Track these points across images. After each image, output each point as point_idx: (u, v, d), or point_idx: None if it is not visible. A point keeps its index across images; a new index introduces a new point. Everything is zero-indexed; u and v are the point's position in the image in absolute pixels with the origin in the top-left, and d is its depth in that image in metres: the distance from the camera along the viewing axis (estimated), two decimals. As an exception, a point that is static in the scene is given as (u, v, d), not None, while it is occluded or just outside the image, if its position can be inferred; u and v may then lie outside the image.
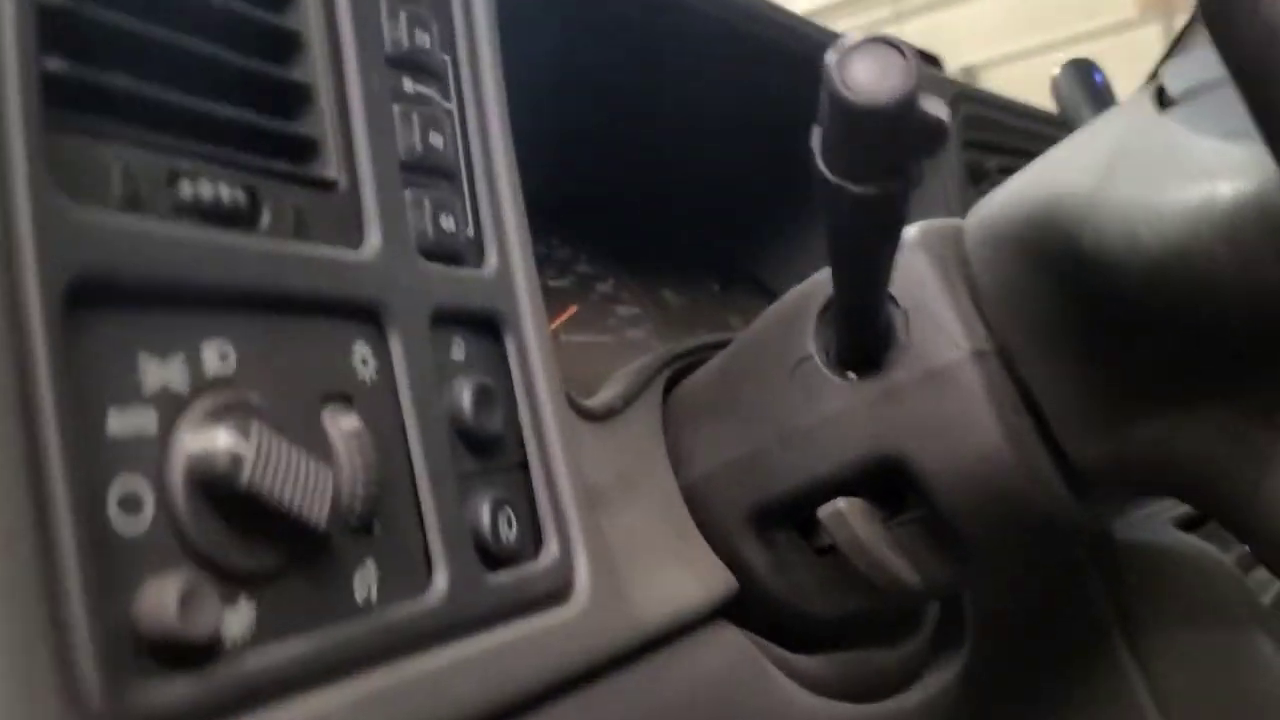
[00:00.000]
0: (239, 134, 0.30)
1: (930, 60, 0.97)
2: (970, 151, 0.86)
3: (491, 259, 0.39)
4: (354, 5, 0.34)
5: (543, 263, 0.73)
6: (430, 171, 0.37)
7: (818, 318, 0.48)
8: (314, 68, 0.33)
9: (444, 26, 0.39)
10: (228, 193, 0.28)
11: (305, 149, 0.33)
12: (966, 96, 0.86)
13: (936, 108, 0.32)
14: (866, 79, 0.30)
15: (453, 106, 0.39)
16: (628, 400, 0.50)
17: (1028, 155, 0.94)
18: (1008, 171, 0.91)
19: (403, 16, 0.36)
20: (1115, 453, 0.43)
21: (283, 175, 0.31)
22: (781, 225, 0.88)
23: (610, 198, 0.78)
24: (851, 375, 0.46)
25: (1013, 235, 0.44)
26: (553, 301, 0.70)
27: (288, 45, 0.33)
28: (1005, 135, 0.92)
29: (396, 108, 0.36)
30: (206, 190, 0.28)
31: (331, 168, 0.33)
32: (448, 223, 0.36)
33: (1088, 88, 0.76)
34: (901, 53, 0.30)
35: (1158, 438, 0.42)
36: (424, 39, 0.37)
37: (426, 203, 0.36)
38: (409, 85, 0.37)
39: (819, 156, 0.34)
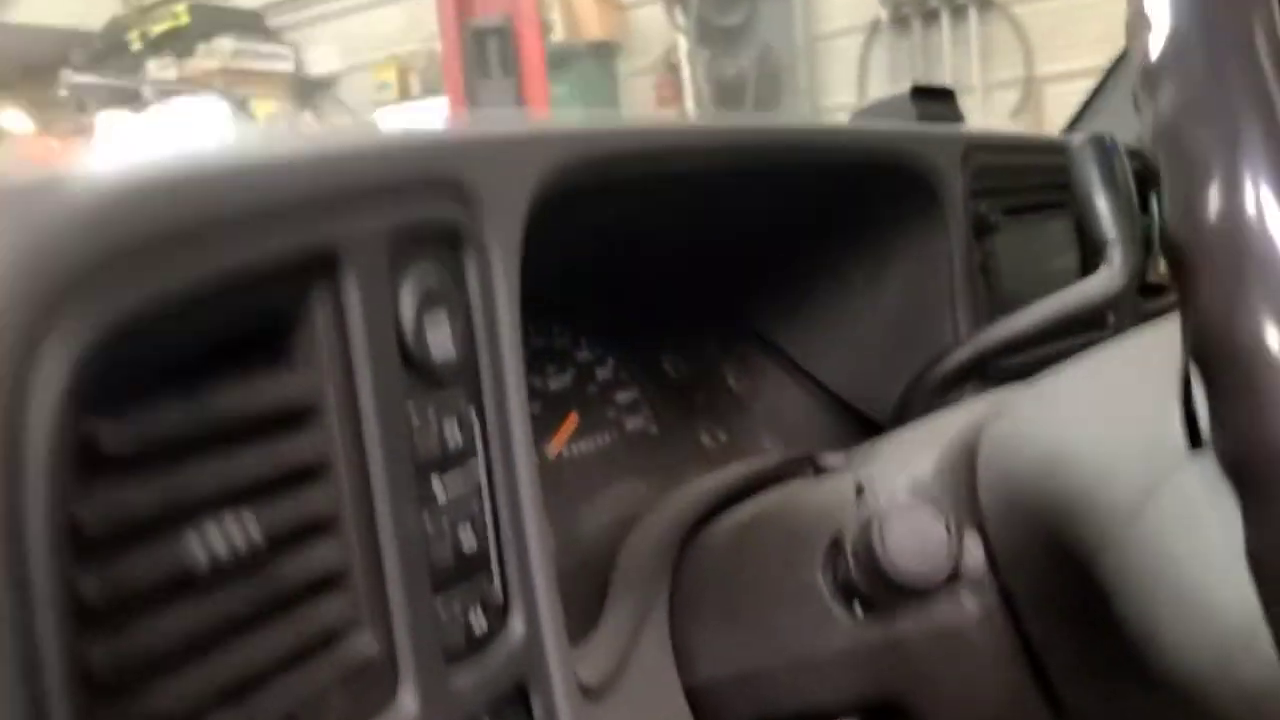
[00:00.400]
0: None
1: (942, 95, 0.93)
2: (978, 201, 0.84)
3: (518, 627, 0.38)
4: (382, 426, 0.32)
5: (544, 356, 0.73)
6: (463, 570, 0.36)
7: (827, 548, 0.48)
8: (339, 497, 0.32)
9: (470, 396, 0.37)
10: None
11: (340, 630, 0.32)
12: (977, 147, 0.83)
13: None
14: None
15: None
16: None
17: (1037, 191, 0.93)
18: (1014, 213, 0.90)
19: (431, 418, 0.35)
20: (1116, 704, 0.44)
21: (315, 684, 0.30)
22: (782, 274, 0.86)
23: (607, 274, 0.76)
24: (859, 610, 0.46)
25: (1032, 514, 0.44)
26: (555, 410, 0.70)
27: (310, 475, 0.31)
28: (1013, 178, 0.89)
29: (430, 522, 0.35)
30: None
31: (367, 641, 0.32)
32: (476, 618, 0.36)
33: (1103, 166, 0.73)
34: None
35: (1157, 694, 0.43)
36: (452, 434, 0.35)
37: (458, 607, 0.35)
38: (439, 488, 0.35)
39: None
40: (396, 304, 0.34)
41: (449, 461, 0.35)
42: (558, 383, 0.71)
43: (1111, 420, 0.45)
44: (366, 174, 0.33)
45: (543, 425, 0.67)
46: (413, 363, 0.34)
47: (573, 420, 0.70)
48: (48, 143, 4.27)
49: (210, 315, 0.28)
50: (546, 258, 0.42)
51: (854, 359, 0.87)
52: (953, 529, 0.41)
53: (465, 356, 0.37)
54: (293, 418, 0.30)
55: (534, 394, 0.66)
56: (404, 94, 4.79)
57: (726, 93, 4.08)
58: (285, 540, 0.29)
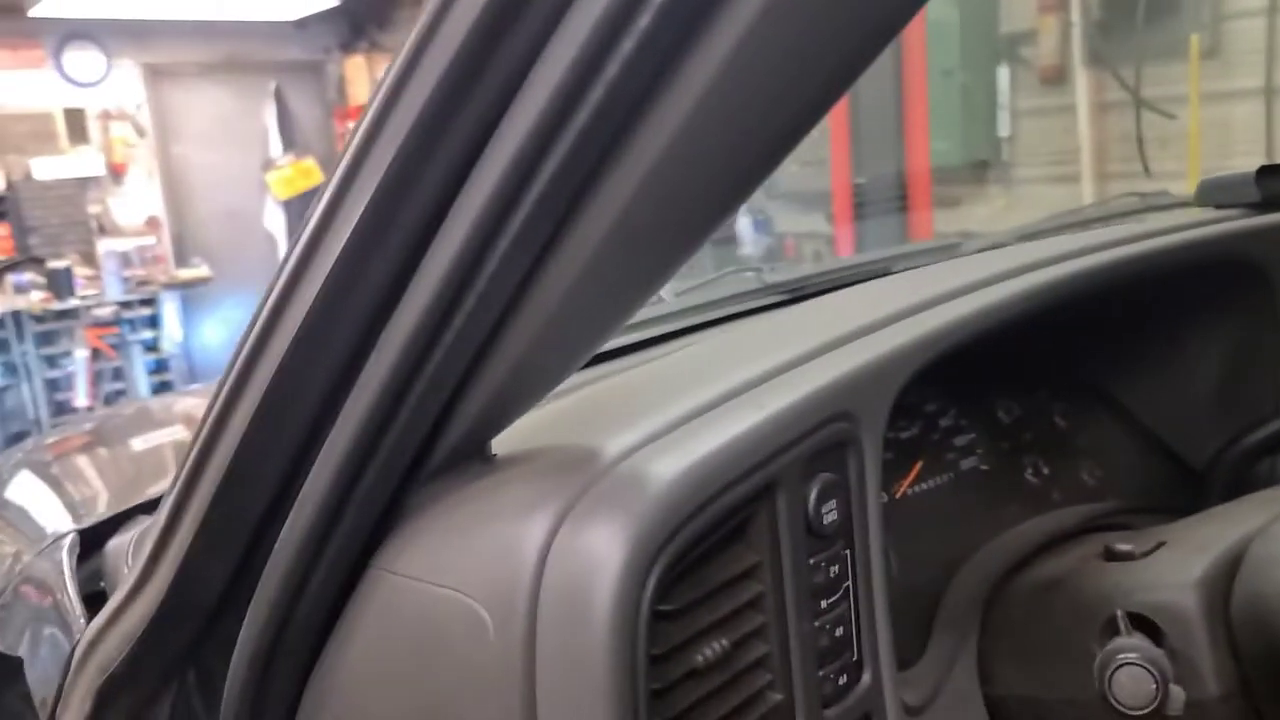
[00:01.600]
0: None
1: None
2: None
3: (868, 676, 0.60)
4: (793, 574, 0.54)
5: (896, 412, 0.93)
6: (834, 650, 0.58)
7: (1103, 625, 0.66)
8: None
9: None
10: None
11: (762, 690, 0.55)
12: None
13: None
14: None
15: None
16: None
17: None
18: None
19: (822, 564, 0.57)
20: None
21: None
22: (1119, 332, 0.99)
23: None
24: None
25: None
26: (904, 458, 0.89)
27: None
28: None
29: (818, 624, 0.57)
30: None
31: (776, 695, 0.55)
32: (842, 678, 0.58)
33: None
34: None
35: None
36: (834, 570, 0.57)
37: (832, 674, 0.58)
38: (825, 603, 0.57)
39: None
40: (806, 500, 0.56)
41: (830, 587, 0.57)
42: (907, 433, 0.91)
43: None
44: (794, 429, 0.55)
45: (892, 470, 0.87)
46: (813, 532, 0.56)
47: (918, 467, 0.90)
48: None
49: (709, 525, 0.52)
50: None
51: (1179, 409, 0.99)
52: (1158, 678, 0.59)
53: (844, 522, 0.58)
54: (745, 574, 0.54)
55: (888, 445, 0.86)
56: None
57: (1114, -3, 3.85)
58: (739, 643, 0.53)
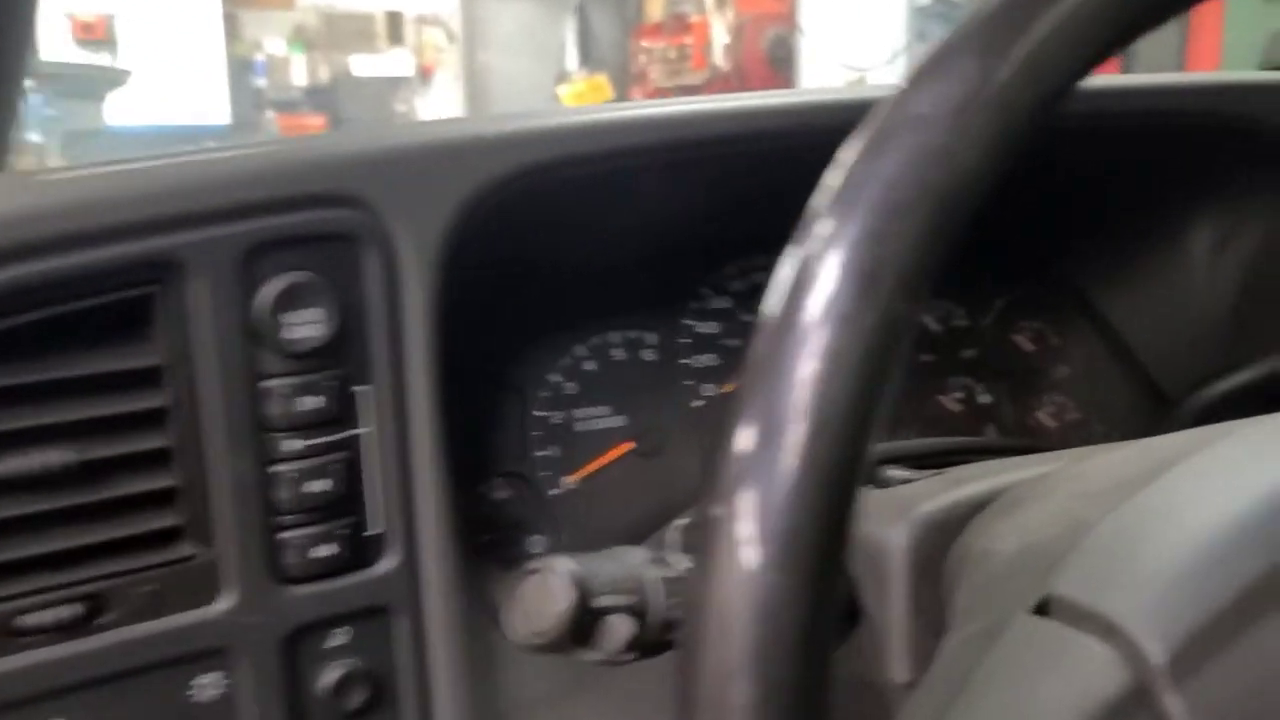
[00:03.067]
0: (91, 550, 0.41)
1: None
2: None
3: (392, 558, 0.47)
4: (221, 393, 0.42)
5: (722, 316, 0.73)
6: (312, 510, 0.45)
7: None
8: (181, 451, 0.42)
9: (360, 365, 0.45)
10: (66, 612, 0.40)
11: (167, 535, 0.43)
12: None
13: None
14: None
15: (365, 430, 0.46)
16: None
17: None
18: None
19: (285, 390, 0.44)
20: None
21: (137, 569, 0.42)
22: (1113, 232, 0.74)
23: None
24: None
25: None
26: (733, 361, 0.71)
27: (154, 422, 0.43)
28: None
29: (274, 469, 0.44)
30: (44, 618, 0.40)
31: (187, 547, 0.43)
32: (326, 549, 0.45)
33: None
34: None
35: None
36: (311, 402, 0.44)
37: (299, 541, 0.45)
38: (289, 445, 0.44)
39: None
40: (249, 299, 0.43)
41: (305, 425, 0.44)
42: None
43: None
44: (211, 196, 0.42)
45: (720, 375, 0.70)
46: (265, 345, 0.43)
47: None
48: None
49: (69, 301, 0.40)
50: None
51: (1177, 338, 0.73)
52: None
53: (338, 343, 0.44)
54: (133, 378, 0.42)
55: (713, 347, 0.69)
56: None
57: None
58: (115, 465, 0.41)
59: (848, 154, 0.27)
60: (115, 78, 4.49)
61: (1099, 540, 0.36)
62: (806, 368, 0.24)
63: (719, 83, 5.41)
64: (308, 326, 0.44)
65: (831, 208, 0.26)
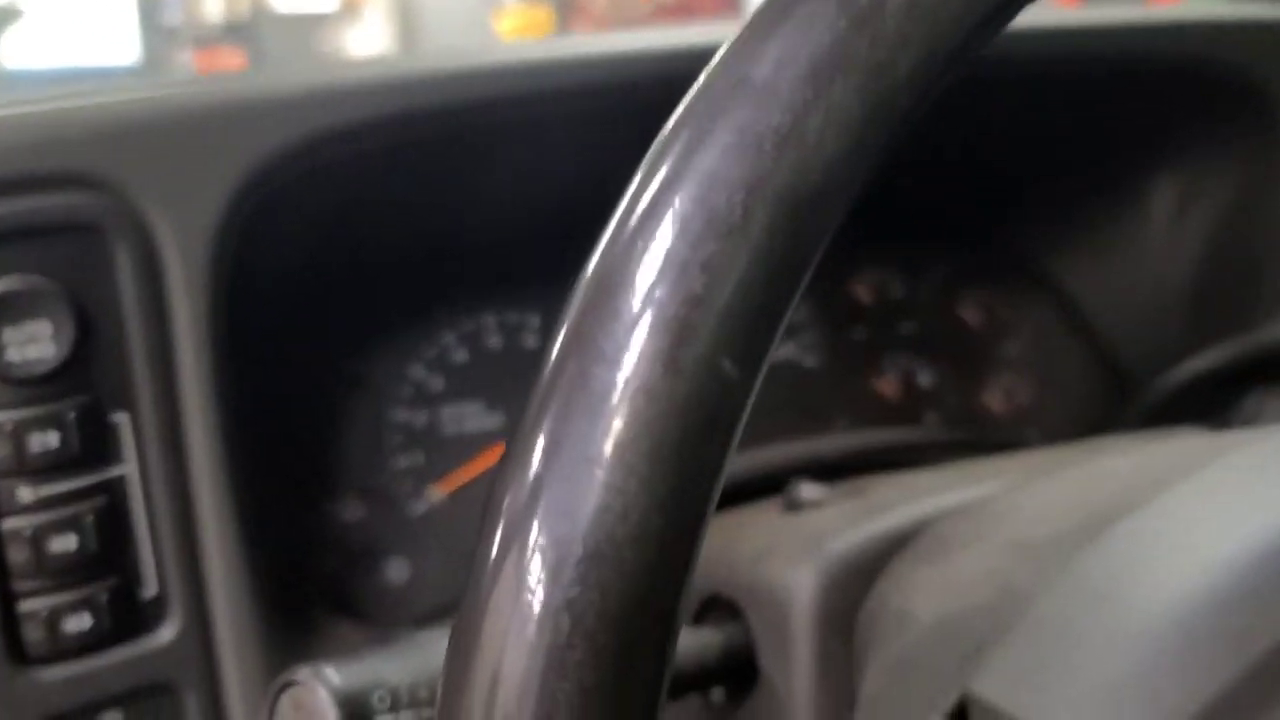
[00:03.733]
0: None
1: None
2: None
3: (173, 624, 0.37)
4: None
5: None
6: (58, 574, 0.35)
7: None
8: None
9: (114, 389, 0.35)
10: None
11: None
12: None
13: None
14: None
15: (126, 469, 0.35)
16: None
17: None
18: None
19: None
20: None
21: None
22: (1065, 195, 0.65)
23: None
24: None
25: None
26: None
27: None
28: None
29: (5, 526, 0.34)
30: None
31: None
32: (79, 621, 0.35)
33: None
34: None
35: None
36: (42, 440, 0.34)
37: (44, 612, 0.35)
38: (22, 495, 0.34)
39: None
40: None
41: (38, 469, 0.34)
42: None
43: None
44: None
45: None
46: None
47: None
48: None
49: None
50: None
51: (1135, 311, 0.65)
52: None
53: (73, 362, 0.34)
54: None
55: None
56: None
57: None
58: None
59: (659, 144, 0.18)
60: (7, 16, 4.21)
61: (1029, 628, 0.28)
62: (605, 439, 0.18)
63: (665, 12, 5.25)
64: (34, 345, 0.33)
65: (629, 233, 0.17)
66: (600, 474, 0.17)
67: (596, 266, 0.19)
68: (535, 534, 0.17)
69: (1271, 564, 0.26)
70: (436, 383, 0.55)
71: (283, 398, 0.47)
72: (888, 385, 0.66)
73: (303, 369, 0.49)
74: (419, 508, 0.53)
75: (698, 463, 0.18)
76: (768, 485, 0.52)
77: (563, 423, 0.18)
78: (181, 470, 0.36)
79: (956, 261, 0.68)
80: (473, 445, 0.55)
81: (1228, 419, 0.61)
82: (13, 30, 4.19)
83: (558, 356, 0.19)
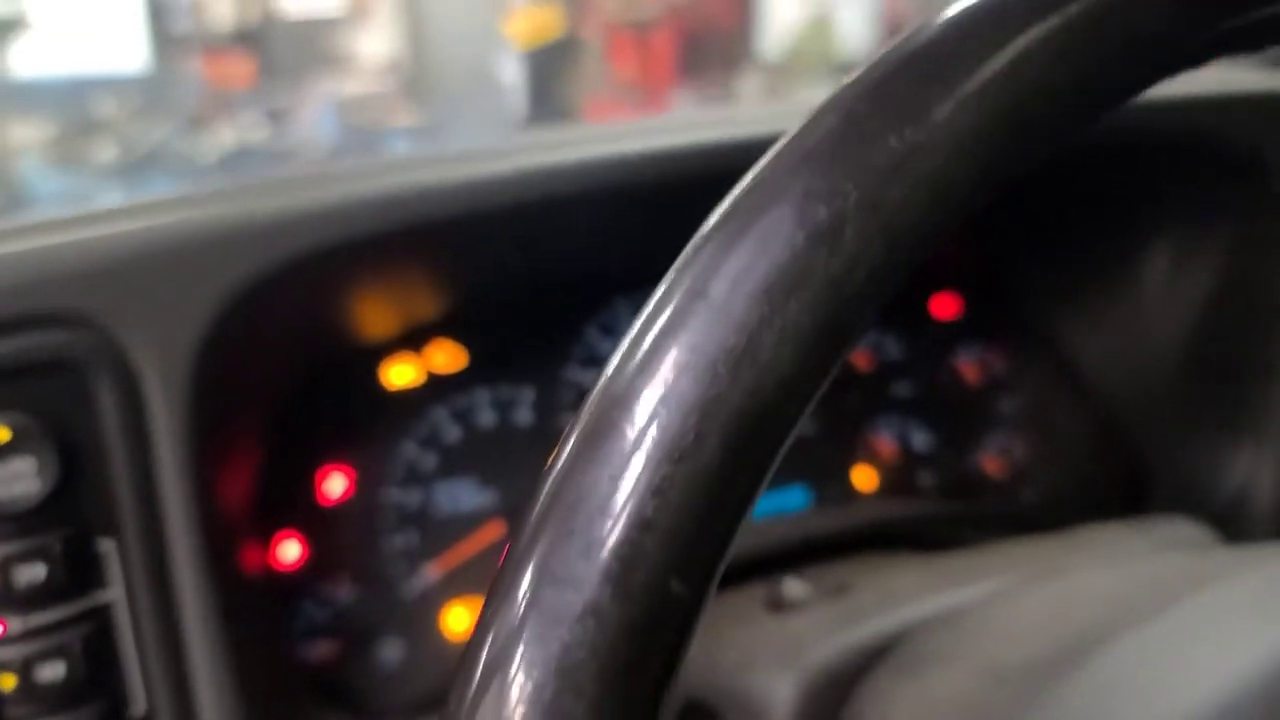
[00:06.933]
0: None
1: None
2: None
3: None
4: None
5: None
6: (44, 701, 0.36)
7: None
8: None
9: (99, 517, 0.35)
10: None
11: None
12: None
13: None
14: None
15: (113, 595, 0.36)
16: None
17: None
18: None
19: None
20: None
21: None
22: (1068, 261, 0.65)
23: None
24: None
25: None
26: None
27: None
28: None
29: None
30: None
31: None
32: None
33: None
34: None
35: None
36: (29, 573, 0.34)
37: None
38: (16, 626, 0.34)
39: None
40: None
41: (26, 600, 0.35)
42: None
43: None
44: None
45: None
46: None
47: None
48: None
49: None
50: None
51: (1135, 371, 0.65)
52: None
53: (58, 495, 0.35)
54: None
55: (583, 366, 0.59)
56: None
57: None
58: None
59: (619, 357, 0.19)
60: (14, 26, 4.22)
61: None
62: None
63: (675, 16, 5.23)
64: (19, 482, 0.34)
65: (589, 450, 0.18)
66: (548, 695, 0.18)
67: (554, 482, 0.19)
68: None
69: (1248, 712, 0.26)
70: (429, 461, 0.55)
71: (269, 491, 0.47)
72: (884, 449, 0.66)
73: (292, 450, 0.49)
74: (412, 589, 0.54)
75: (643, 680, 0.18)
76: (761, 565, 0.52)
77: (513, 642, 0.18)
78: (166, 590, 0.37)
79: (954, 318, 0.68)
80: (466, 524, 0.56)
81: (1219, 485, 0.61)
82: (21, 39, 4.20)
83: (511, 572, 0.19)
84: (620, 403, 0.19)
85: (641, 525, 0.18)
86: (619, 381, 0.19)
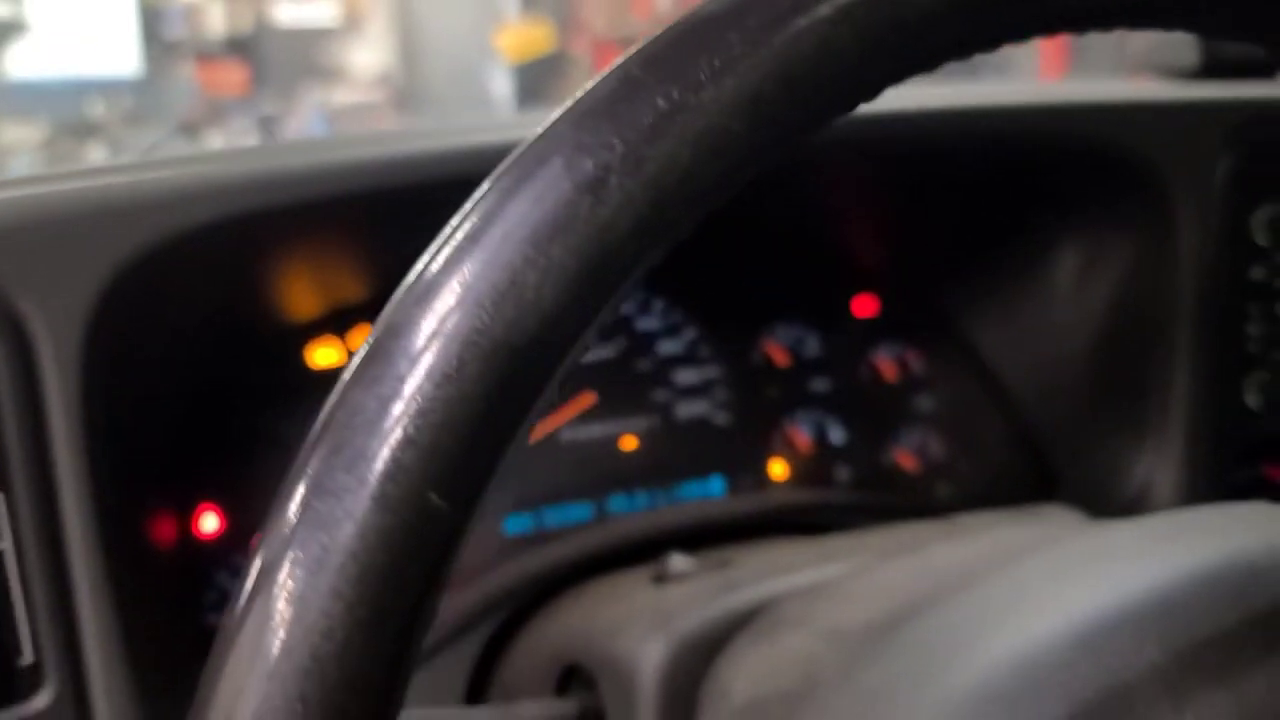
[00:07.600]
0: None
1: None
2: (1247, 204, 0.57)
3: (49, 690, 0.39)
4: None
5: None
6: None
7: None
8: None
9: None
10: None
11: None
12: (1257, 121, 0.55)
13: None
14: None
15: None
16: None
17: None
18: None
19: None
20: None
21: None
22: (984, 258, 0.67)
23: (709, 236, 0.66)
24: None
25: None
26: (565, 389, 0.63)
27: None
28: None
29: None
30: None
31: None
32: None
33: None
34: None
35: None
36: None
37: None
38: None
39: None
40: None
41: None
42: (592, 356, 0.65)
43: None
44: None
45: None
46: None
47: (588, 402, 0.64)
48: None
49: None
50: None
51: (1046, 370, 0.66)
52: None
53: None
54: None
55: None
56: None
57: None
58: None
59: (398, 296, 0.21)
60: (12, 29, 4.25)
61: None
62: None
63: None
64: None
65: (364, 379, 0.20)
66: (312, 595, 0.19)
67: (330, 405, 0.21)
68: (257, 640, 0.19)
69: (1034, 673, 0.28)
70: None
71: (163, 461, 0.48)
72: (800, 442, 0.68)
73: (185, 431, 0.51)
74: None
75: (402, 587, 0.20)
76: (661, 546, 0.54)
77: (283, 549, 0.20)
78: (56, 544, 0.38)
79: (872, 315, 0.70)
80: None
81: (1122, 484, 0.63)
82: (17, 42, 4.22)
83: (288, 485, 0.21)
84: (396, 332, 0.20)
85: (403, 442, 0.20)
86: (398, 314, 0.21)
